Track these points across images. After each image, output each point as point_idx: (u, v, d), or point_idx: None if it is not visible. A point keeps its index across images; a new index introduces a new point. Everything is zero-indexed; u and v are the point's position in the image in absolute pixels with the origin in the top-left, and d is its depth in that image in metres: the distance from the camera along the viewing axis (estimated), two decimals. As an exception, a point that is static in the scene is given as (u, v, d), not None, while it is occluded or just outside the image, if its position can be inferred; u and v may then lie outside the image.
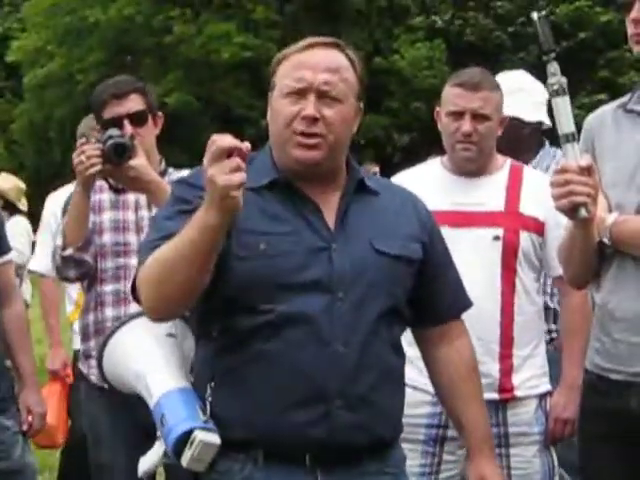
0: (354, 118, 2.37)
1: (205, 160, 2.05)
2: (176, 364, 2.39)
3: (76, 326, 4.62)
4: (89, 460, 3.58)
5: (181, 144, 19.03)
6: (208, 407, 2.27)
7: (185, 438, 2.22)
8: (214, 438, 2.23)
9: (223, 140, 2.04)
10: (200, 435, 2.21)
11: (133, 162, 3.21)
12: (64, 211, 3.96)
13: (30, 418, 3.84)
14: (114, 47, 24.75)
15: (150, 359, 2.41)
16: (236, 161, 2.03)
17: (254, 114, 22.02)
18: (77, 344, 4.54)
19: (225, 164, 2.03)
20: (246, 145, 2.05)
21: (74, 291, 4.89)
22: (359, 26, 24.08)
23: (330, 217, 2.33)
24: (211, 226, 2.07)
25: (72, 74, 24.73)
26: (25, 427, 3.70)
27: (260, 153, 2.40)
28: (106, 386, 3.36)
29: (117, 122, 3.38)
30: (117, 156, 3.20)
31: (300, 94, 2.28)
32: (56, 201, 4.64)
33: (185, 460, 2.23)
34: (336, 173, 2.39)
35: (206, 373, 2.32)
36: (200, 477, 2.31)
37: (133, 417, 3.18)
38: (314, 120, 2.27)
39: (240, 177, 2.03)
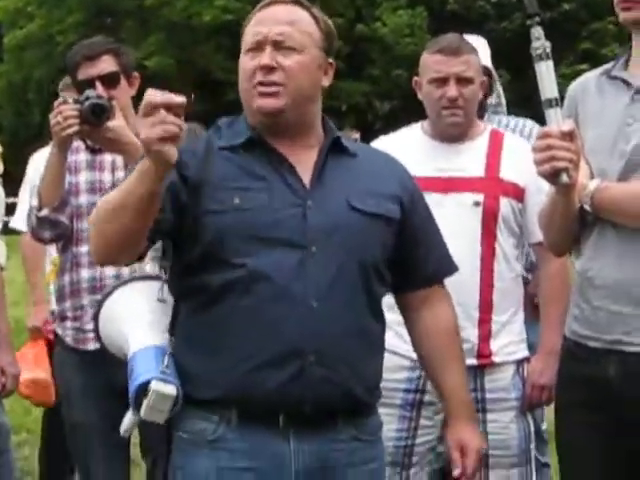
0: (318, 70, 2.39)
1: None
2: (159, 326, 2.39)
3: (52, 287, 4.62)
4: (63, 419, 3.60)
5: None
6: (166, 359, 2.28)
7: (145, 389, 2.24)
8: (169, 389, 2.24)
9: (154, 96, 2.04)
10: (155, 385, 2.23)
11: (111, 123, 3.20)
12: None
13: (3, 379, 3.83)
14: (94, 8, 24.60)
15: (136, 320, 2.43)
16: (160, 116, 2.02)
17: (235, 78, 21.92)
18: (54, 304, 4.55)
19: (149, 119, 2.03)
20: (180, 100, 2.04)
21: (55, 251, 4.87)
22: (341, -8, 23.97)
23: (306, 175, 2.34)
24: (145, 174, 2.10)
25: (52, 35, 24.60)
26: None
27: (240, 116, 2.43)
28: (81, 347, 3.41)
29: (89, 83, 3.38)
30: (95, 117, 3.19)
31: (258, 48, 2.32)
32: (41, 160, 4.63)
33: (142, 410, 2.24)
34: (307, 128, 2.40)
35: (172, 330, 2.34)
36: (172, 437, 2.33)
37: (105, 377, 3.20)
38: (271, 69, 2.30)
39: (160, 131, 2.01)
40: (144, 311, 2.44)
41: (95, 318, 2.55)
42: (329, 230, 2.29)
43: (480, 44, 3.92)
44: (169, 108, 2.03)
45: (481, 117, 3.81)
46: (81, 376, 3.45)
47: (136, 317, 2.43)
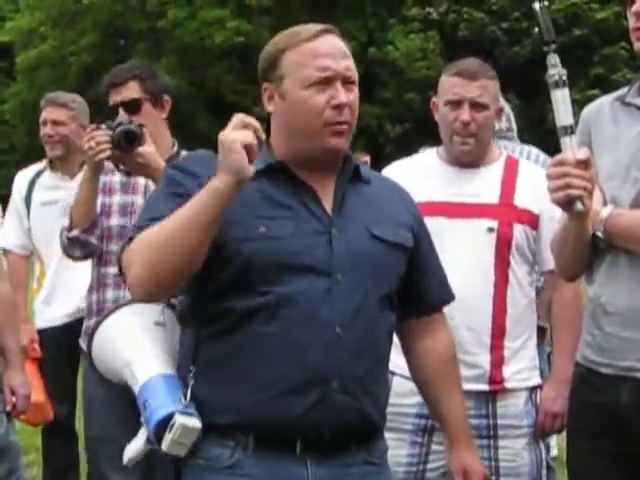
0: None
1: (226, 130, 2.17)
2: (163, 351, 2.39)
3: (36, 304, 4.66)
4: (85, 432, 3.69)
5: (173, 128, 18.97)
6: (189, 392, 2.27)
7: (166, 422, 2.22)
8: (194, 422, 2.23)
9: (246, 116, 2.16)
10: (180, 419, 2.21)
11: (142, 149, 3.29)
12: (29, 190, 4.40)
13: (14, 399, 3.83)
14: (107, 30, 24.73)
15: (137, 346, 2.41)
16: (249, 132, 2.13)
17: (246, 100, 21.99)
18: (38, 323, 4.61)
19: (238, 129, 2.15)
20: (261, 135, 2.17)
21: (38, 268, 4.90)
22: (353, 15, 24.07)
23: (327, 202, 2.34)
24: (219, 189, 2.13)
25: (65, 56, 24.71)
26: (9, 408, 3.69)
27: None
28: None
29: (114, 109, 3.50)
30: (126, 143, 3.29)
31: (326, 83, 2.29)
32: (23, 179, 4.77)
33: (165, 444, 2.23)
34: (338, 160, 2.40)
35: (194, 359, 2.30)
36: (187, 463, 2.29)
37: (126, 394, 3.20)
38: (344, 107, 2.29)
39: (247, 135, 2.13)
40: (144, 338, 2.42)
41: (89, 341, 2.55)
42: (354, 258, 2.29)
43: None
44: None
45: None
46: (102, 390, 3.44)
47: (138, 344, 2.41)
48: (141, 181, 3.56)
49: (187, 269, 2.20)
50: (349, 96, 2.30)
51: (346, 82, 2.30)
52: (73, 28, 25.06)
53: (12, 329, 3.83)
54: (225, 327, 2.26)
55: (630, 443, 2.58)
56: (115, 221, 3.54)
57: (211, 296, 2.28)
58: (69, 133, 4.62)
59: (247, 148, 2.12)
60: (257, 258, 2.23)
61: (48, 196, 4.57)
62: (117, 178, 3.59)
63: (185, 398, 2.26)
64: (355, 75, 2.34)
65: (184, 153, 3.57)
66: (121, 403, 3.29)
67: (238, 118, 2.15)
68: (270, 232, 2.24)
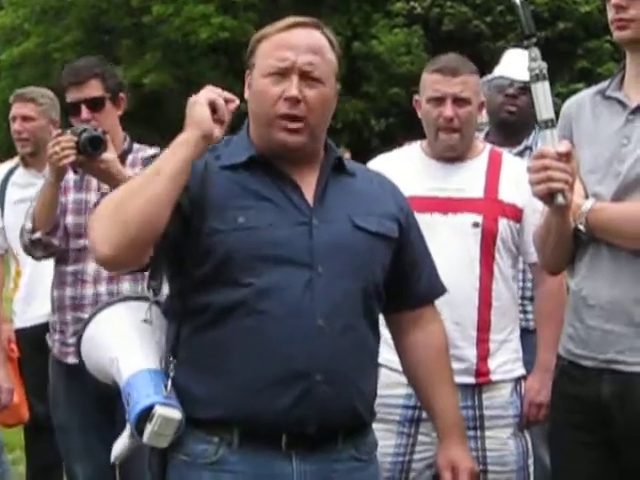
0: (334, 98, 2.39)
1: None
2: (149, 348, 2.38)
3: (14, 304, 4.65)
4: (52, 420, 3.79)
5: (157, 124, 18.95)
6: (169, 383, 2.26)
7: (147, 414, 2.22)
8: (174, 413, 2.22)
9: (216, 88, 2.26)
10: (160, 409, 2.21)
11: (105, 155, 3.33)
12: (2, 188, 4.42)
13: None
14: (91, 26, 24.59)
15: (123, 343, 2.40)
16: (217, 91, 2.25)
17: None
18: (18, 322, 4.58)
19: (209, 92, 2.24)
20: (235, 101, 2.26)
21: (14, 267, 4.87)
22: (338, 11, 23.99)
23: (308, 193, 2.34)
24: (185, 139, 2.19)
25: (48, 53, 24.55)
26: None
27: (236, 136, 2.41)
28: (66, 360, 3.56)
29: (75, 106, 3.55)
30: (92, 148, 3.31)
31: (283, 74, 2.28)
32: None
33: (146, 435, 2.22)
34: (315, 154, 2.40)
35: (174, 351, 2.30)
36: (172, 459, 2.29)
37: (85, 385, 3.22)
38: (297, 101, 2.27)
39: (212, 92, 2.24)
40: (132, 335, 2.41)
41: (78, 341, 2.55)
42: (335, 249, 2.28)
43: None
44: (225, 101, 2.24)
45: None
46: (64, 383, 3.66)
47: (124, 341, 2.40)
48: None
49: (154, 222, 2.15)
50: (307, 91, 2.28)
51: (306, 77, 2.28)
52: (57, 25, 24.91)
53: None
54: (205, 321, 2.26)
55: (612, 435, 2.60)
56: (70, 220, 3.58)
57: (191, 290, 2.27)
58: (39, 129, 4.52)
59: (212, 105, 2.19)
60: (236, 248, 2.23)
61: (22, 194, 4.48)
62: (71, 176, 3.62)
63: (166, 389, 2.26)
64: (321, 73, 2.30)
65: (136, 146, 3.69)
66: (82, 397, 3.55)
67: (209, 87, 2.24)
68: (249, 222, 2.24)
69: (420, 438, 3.20)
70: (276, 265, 2.24)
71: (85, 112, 3.52)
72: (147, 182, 2.17)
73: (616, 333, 2.58)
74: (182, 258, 2.28)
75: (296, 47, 2.30)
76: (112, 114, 3.62)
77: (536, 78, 2.43)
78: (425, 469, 3.21)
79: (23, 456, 4.97)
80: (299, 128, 2.29)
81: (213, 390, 2.24)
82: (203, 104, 2.20)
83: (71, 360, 3.48)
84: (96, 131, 3.34)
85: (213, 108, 2.21)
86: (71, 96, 3.57)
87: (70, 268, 3.59)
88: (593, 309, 2.62)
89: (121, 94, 3.67)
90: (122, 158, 3.52)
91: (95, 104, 3.55)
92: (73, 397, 3.63)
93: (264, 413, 2.22)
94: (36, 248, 3.55)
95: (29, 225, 3.51)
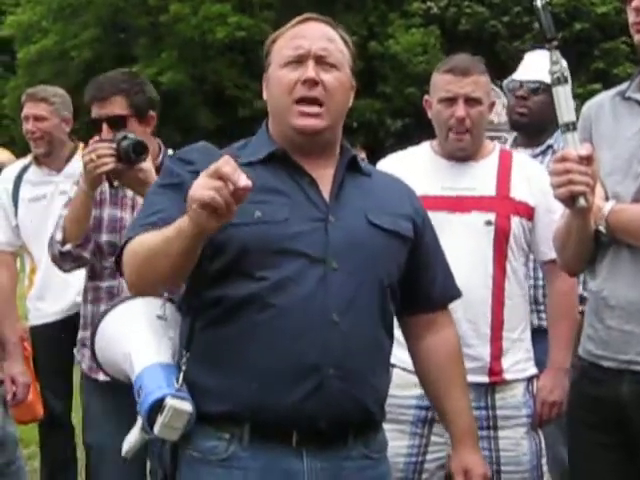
0: (350, 90, 2.41)
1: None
2: (162, 344, 2.39)
3: (29, 301, 4.64)
4: (83, 440, 3.65)
5: (174, 123, 18.99)
6: (181, 376, 2.27)
7: (158, 406, 2.22)
8: (185, 405, 2.22)
9: (227, 165, 1.99)
10: (171, 401, 2.21)
11: (143, 164, 3.18)
12: (15, 186, 4.30)
13: (14, 388, 3.84)
14: (109, 24, 24.67)
15: (137, 338, 2.41)
16: (218, 184, 1.97)
17: (248, 95, 21.98)
18: (33, 319, 4.58)
19: (209, 181, 1.98)
20: (244, 185, 1.98)
21: (28, 264, 4.86)
22: (354, 10, 24.01)
23: (325, 190, 2.35)
24: (184, 232, 2.07)
25: (66, 50, 24.64)
26: (9, 397, 3.70)
27: (255, 136, 2.43)
28: (97, 377, 3.40)
29: (97, 123, 3.36)
30: (136, 155, 3.16)
31: (299, 61, 2.32)
32: (8, 175, 4.66)
33: (157, 428, 2.22)
34: (333, 146, 2.41)
35: (188, 345, 2.31)
36: (183, 455, 2.30)
37: (120, 404, 3.14)
38: (314, 83, 2.30)
39: (207, 196, 1.97)
40: (145, 330, 2.42)
41: (92, 337, 2.55)
42: (350, 245, 2.29)
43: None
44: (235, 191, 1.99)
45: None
46: (99, 400, 3.49)
47: (138, 336, 2.41)
48: (129, 194, 3.44)
49: (174, 277, 2.21)
50: (323, 75, 2.31)
51: (322, 62, 2.32)
52: (74, 22, 24.99)
53: (11, 319, 3.84)
54: (219, 314, 2.26)
55: (630, 436, 2.59)
56: (105, 237, 3.42)
57: (205, 283, 2.28)
58: (51, 128, 4.52)
59: (207, 207, 1.98)
60: (252, 242, 2.23)
61: (35, 192, 4.48)
62: (106, 188, 3.42)
63: (178, 382, 2.26)
64: (336, 59, 2.34)
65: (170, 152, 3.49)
66: (117, 415, 3.24)
67: (218, 165, 1.99)
68: (266, 216, 2.25)
69: (433, 439, 3.19)
70: (291, 260, 2.24)
71: (106, 130, 3.32)
72: (161, 257, 2.14)
73: (636, 334, 2.57)
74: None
75: (310, 36, 2.35)
76: (139, 133, 3.32)
77: (557, 81, 2.42)
78: (438, 469, 3.21)
79: (38, 452, 4.99)
80: (318, 113, 2.31)
81: (224, 383, 2.24)
82: (199, 210, 2.00)
83: (102, 377, 3.24)
84: (138, 137, 3.19)
85: (210, 208, 2.00)
86: (94, 112, 3.38)
87: (105, 284, 3.45)
88: (613, 310, 2.62)
89: (151, 112, 3.45)
90: (158, 169, 3.30)
91: (117, 122, 3.34)
92: (107, 416, 3.42)
93: (275, 407, 2.21)
94: (65, 260, 3.38)
95: (59, 236, 3.34)
